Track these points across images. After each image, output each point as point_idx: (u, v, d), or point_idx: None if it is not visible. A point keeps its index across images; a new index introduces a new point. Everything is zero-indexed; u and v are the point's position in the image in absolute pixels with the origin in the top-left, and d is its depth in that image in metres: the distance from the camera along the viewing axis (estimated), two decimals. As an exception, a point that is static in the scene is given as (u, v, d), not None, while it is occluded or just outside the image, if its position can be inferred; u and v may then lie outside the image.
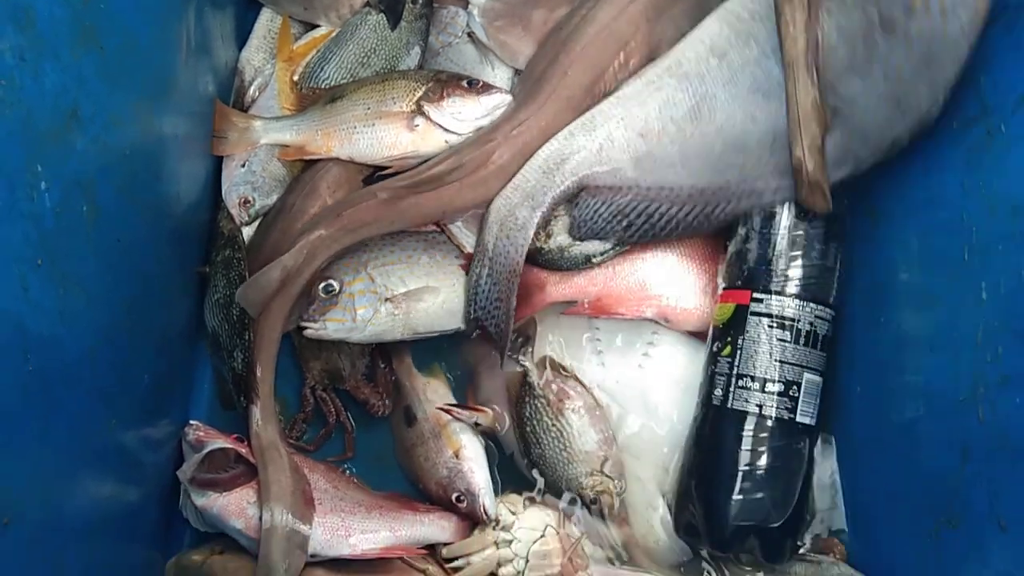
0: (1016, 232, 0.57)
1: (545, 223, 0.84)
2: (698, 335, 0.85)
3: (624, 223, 0.79)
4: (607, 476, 0.81)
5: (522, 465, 0.86)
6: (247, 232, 0.91)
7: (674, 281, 0.85)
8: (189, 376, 0.90)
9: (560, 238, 0.84)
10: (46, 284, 0.56)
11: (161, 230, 0.79)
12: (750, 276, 0.77)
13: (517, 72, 0.90)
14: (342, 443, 0.89)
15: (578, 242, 0.84)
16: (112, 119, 0.64)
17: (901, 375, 0.70)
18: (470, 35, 0.92)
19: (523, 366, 0.84)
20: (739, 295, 0.78)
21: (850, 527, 0.78)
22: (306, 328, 0.83)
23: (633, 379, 0.86)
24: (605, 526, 0.82)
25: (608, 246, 0.85)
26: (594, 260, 0.85)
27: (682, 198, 0.77)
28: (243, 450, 0.81)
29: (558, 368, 0.85)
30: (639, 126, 0.78)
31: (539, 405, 0.83)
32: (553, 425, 0.82)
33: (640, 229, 0.79)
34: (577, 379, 0.85)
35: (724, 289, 0.81)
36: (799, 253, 0.75)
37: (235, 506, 0.78)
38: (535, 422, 0.83)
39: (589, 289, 0.86)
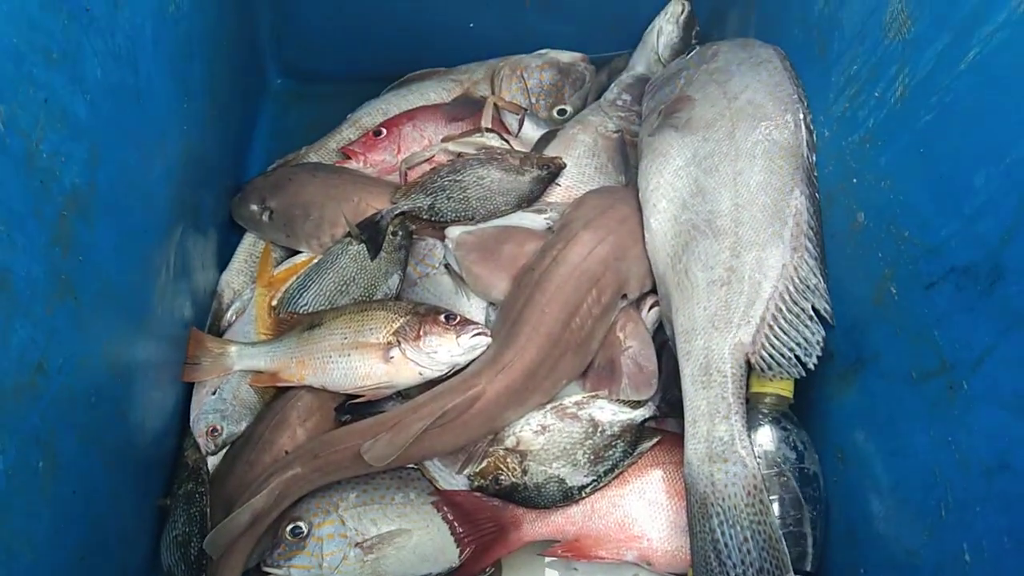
0: (992, 494, 0.56)
1: (522, 459, 0.83)
2: None
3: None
4: None
5: None
6: (212, 461, 0.89)
7: (656, 520, 0.82)
8: (140, 619, 0.84)
9: (537, 472, 0.83)
10: (-12, 551, 0.53)
11: (122, 467, 0.76)
12: None
13: (491, 304, 0.92)
14: None
15: (556, 475, 0.83)
16: (80, 365, 0.64)
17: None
18: (447, 267, 0.95)
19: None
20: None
21: None
22: (269, 574, 0.79)
23: (613, 627, 0.82)
24: None
25: (588, 480, 0.83)
26: (575, 495, 0.83)
27: None
28: None
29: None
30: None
31: (511, 658, 0.78)
32: None
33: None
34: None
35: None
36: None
37: None
38: (507, 677, 0.77)
39: (567, 528, 0.83)
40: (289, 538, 0.81)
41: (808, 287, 0.77)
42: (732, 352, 0.76)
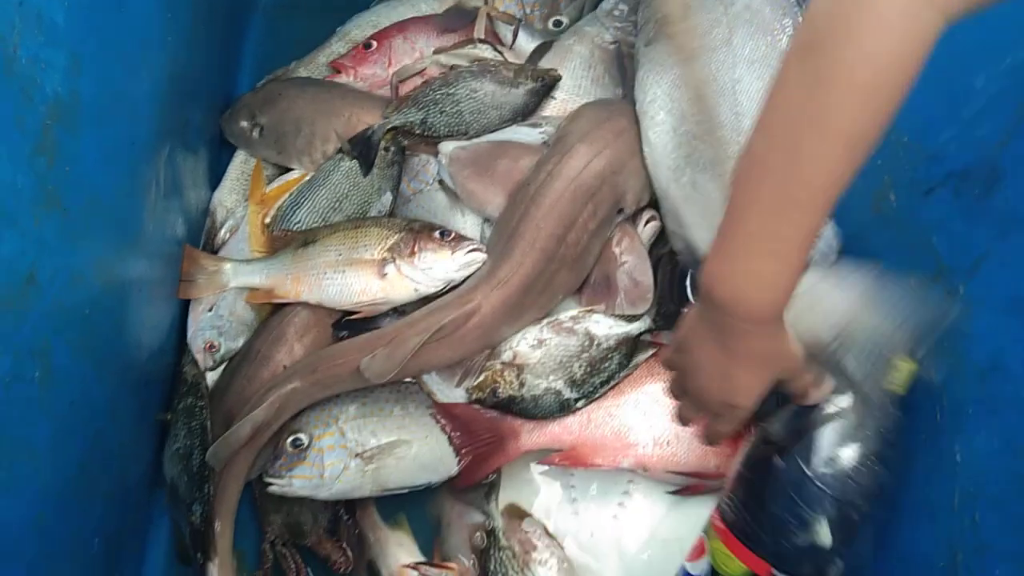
0: (985, 396, 0.56)
1: (519, 372, 0.83)
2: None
3: None
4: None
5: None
6: (211, 377, 0.89)
7: (651, 427, 0.84)
8: (145, 529, 0.86)
9: (534, 385, 0.83)
10: (-10, 457, 0.54)
11: (120, 382, 0.76)
12: (777, 552, 0.65)
13: (485, 220, 0.91)
14: (302, 602, 0.85)
15: (553, 387, 0.83)
16: (73, 278, 0.64)
17: (885, 537, 0.68)
18: (440, 183, 0.94)
19: (487, 515, 0.82)
20: (755, 563, 0.66)
21: None
22: (271, 484, 0.80)
23: (608, 531, 0.84)
24: None
25: (584, 391, 0.84)
26: (572, 406, 0.84)
27: None
28: (196, 616, 0.76)
29: (523, 517, 0.82)
30: None
31: (504, 557, 0.80)
32: (520, 579, 0.79)
33: None
34: (544, 529, 0.82)
35: (731, 531, 0.68)
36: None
37: None
38: (500, 575, 0.79)
39: (564, 438, 0.85)
40: (290, 449, 0.82)
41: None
42: None
